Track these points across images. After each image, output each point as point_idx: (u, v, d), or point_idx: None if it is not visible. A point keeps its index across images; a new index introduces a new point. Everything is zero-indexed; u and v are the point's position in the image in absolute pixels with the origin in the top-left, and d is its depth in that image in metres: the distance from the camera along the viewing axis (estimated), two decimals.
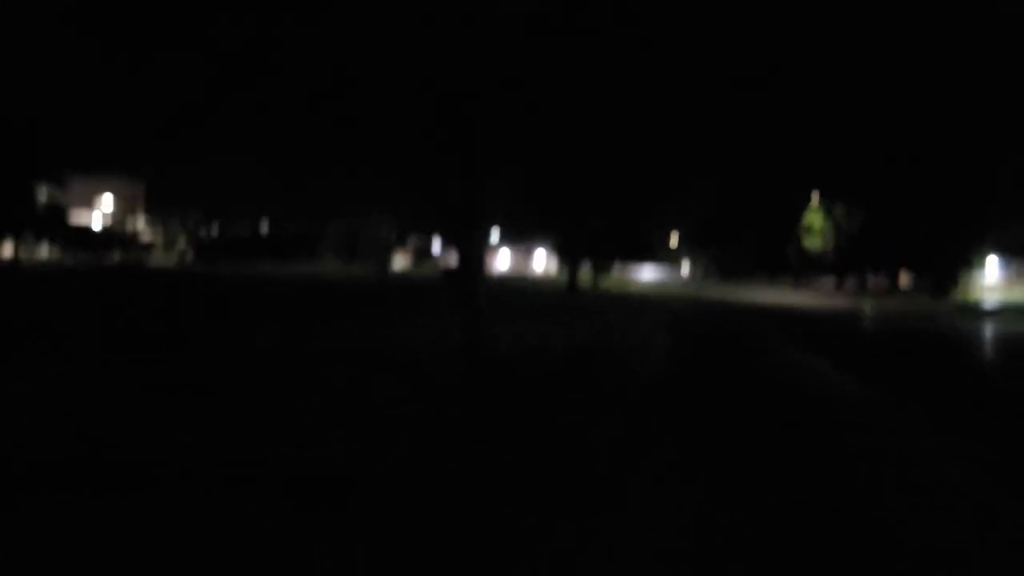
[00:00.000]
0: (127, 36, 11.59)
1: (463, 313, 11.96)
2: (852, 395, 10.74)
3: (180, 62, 12.02)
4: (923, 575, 4.32)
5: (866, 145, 55.19)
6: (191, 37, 11.36)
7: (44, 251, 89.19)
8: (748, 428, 8.09)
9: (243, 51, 10.90)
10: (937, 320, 30.81)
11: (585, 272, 63.77)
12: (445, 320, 15.23)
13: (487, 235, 12.05)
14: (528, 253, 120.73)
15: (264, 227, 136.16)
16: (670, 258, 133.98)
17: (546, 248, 76.68)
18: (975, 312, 38.53)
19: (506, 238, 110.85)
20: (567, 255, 50.99)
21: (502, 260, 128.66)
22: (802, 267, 75.32)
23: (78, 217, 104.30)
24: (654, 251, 68.51)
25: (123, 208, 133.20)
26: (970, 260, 54.73)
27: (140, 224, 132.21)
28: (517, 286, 52.82)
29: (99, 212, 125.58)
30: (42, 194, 73.61)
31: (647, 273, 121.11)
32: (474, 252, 11.97)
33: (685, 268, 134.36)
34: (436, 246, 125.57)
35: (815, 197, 69.26)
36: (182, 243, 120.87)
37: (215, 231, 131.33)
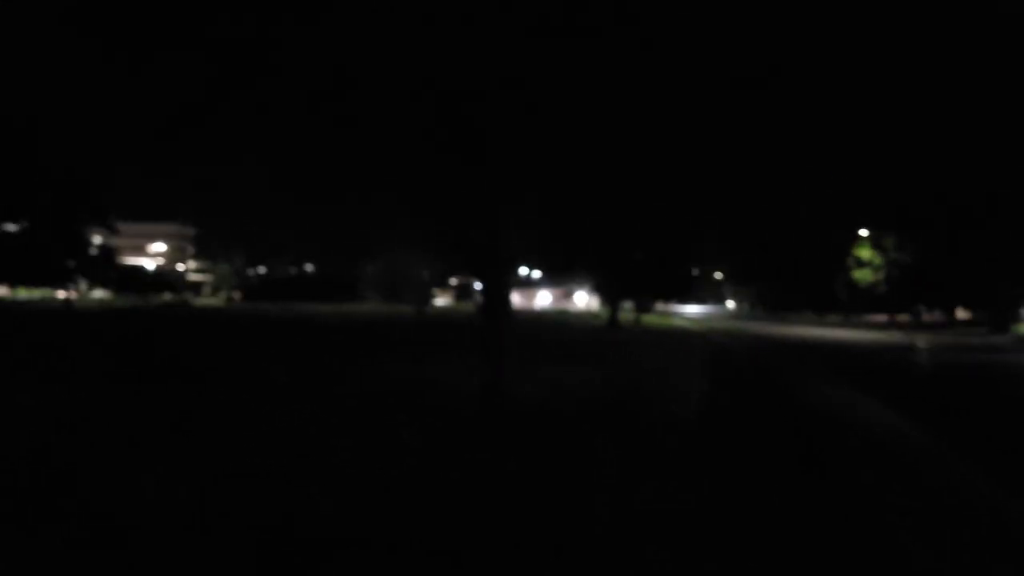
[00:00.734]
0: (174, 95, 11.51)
1: (483, 358, 11.23)
2: (911, 447, 9.72)
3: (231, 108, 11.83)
4: None
5: (917, 177, 53.76)
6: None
7: (97, 293, 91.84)
8: (796, 507, 7.18)
9: (249, 59, 10.56)
10: (997, 355, 29.22)
11: (627, 309, 62.86)
12: (472, 362, 14.56)
13: (510, 273, 11.33)
14: (569, 291, 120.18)
15: (308, 268, 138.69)
16: (715, 294, 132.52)
17: (587, 286, 75.85)
18: None
19: (547, 277, 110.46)
20: (607, 292, 50.09)
21: (543, 298, 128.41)
22: (852, 301, 73.24)
23: (131, 261, 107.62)
24: (697, 287, 67.24)
25: (174, 252, 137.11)
26: None
27: (190, 266, 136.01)
28: (556, 321, 52.08)
29: (151, 256, 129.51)
30: (95, 239, 75.31)
31: (691, 309, 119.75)
32: (497, 291, 11.26)
33: (730, 304, 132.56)
34: (478, 284, 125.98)
35: (864, 231, 67.43)
36: (229, 284, 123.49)
37: (261, 272, 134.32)
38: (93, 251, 72.18)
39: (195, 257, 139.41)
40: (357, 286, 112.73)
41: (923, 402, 14.83)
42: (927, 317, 70.60)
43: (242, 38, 10.58)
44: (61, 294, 71.94)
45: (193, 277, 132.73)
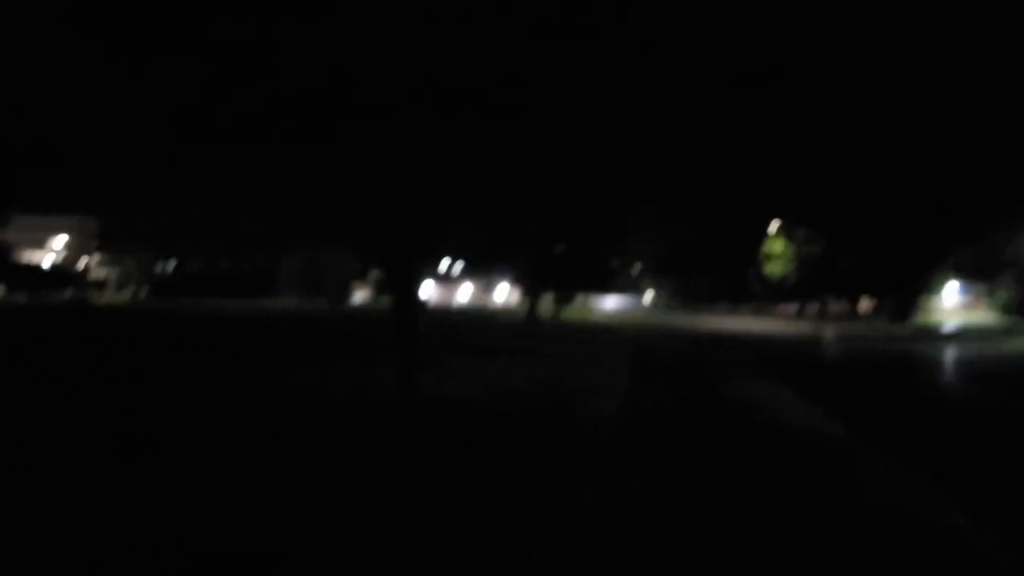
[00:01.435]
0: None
1: (398, 358, 10.93)
2: (822, 433, 9.88)
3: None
4: None
5: (825, 172, 55.45)
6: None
7: None
8: (716, 489, 7.16)
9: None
10: (897, 344, 30.36)
11: (547, 302, 63.10)
12: (387, 361, 14.21)
13: (424, 269, 11.00)
14: (490, 285, 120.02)
15: (221, 263, 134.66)
16: (633, 287, 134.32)
17: (507, 279, 75.91)
18: (934, 335, 38.30)
19: (468, 270, 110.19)
20: (527, 286, 50.13)
21: (463, 292, 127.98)
22: (764, 293, 75.24)
23: (29, 256, 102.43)
24: (616, 280, 67.91)
25: (76, 247, 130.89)
26: (929, 285, 54.90)
27: (93, 262, 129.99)
28: (476, 317, 51.90)
29: (50, 251, 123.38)
30: None
31: (610, 302, 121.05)
32: (409, 289, 10.94)
33: (648, 296, 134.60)
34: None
35: (775, 223, 69.34)
36: (136, 280, 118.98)
37: (170, 268, 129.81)
38: None
39: (99, 252, 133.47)
40: (274, 281, 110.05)
41: (831, 392, 15.20)
42: (834, 307, 73.04)
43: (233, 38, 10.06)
44: None
45: (97, 273, 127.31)
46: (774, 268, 68.84)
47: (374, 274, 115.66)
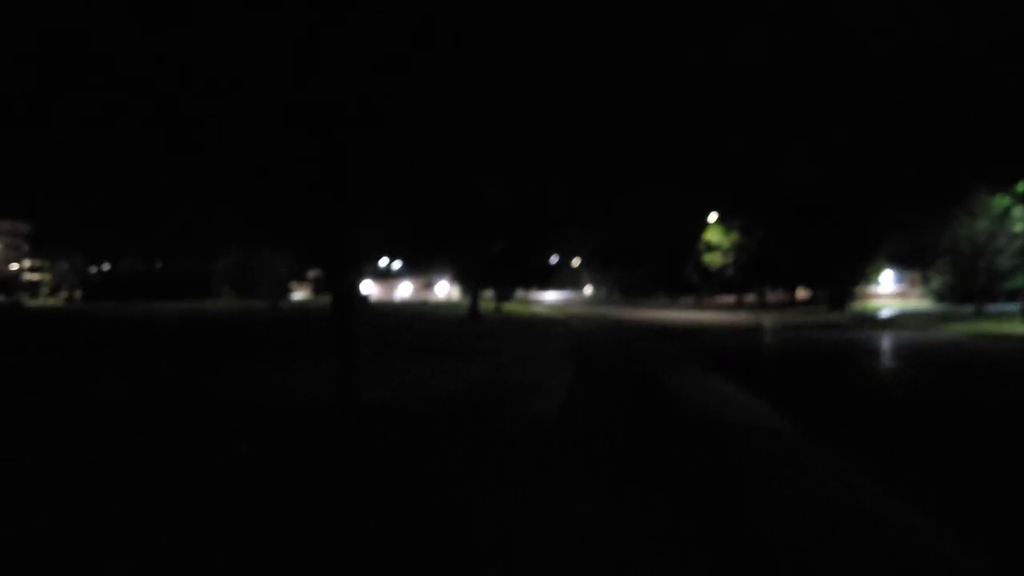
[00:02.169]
0: None
1: (336, 358, 10.30)
2: (766, 426, 9.58)
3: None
4: None
5: (761, 164, 56.07)
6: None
7: None
8: (658, 486, 6.73)
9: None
10: (837, 332, 30.66)
11: (487, 297, 62.63)
12: (324, 360, 13.57)
13: (359, 269, 10.39)
14: (430, 281, 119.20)
15: (157, 265, 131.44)
16: (573, 280, 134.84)
17: (447, 275, 75.19)
18: (872, 322, 38.91)
19: (407, 267, 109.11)
20: (467, 282, 49.55)
21: (404, 289, 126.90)
22: (703, 284, 75.98)
23: None
24: (556, 274, 67.76)
25: (7, 250, 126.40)
26: (865, 273, 55.97)
27: (26, 265, 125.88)
28: (417, 313, 51.16)
29: None
30: None
31: (551, 296, 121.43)
32: (346, 289, 10.31)
33: (588, 289, 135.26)
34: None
35: (713, 215, 70.02)
36: (69, 283, 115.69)
37: (105, 270, 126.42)
38: None
39: (31, 255, 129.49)
40: (210, 282, 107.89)
41: (774, 383, 15.01)
42: (771, 297, 74.15)
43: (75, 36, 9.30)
44: None
45: (29, 276, 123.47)
46: (712, 259, 69.48)
47: (312, 273, 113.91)
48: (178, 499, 6.13)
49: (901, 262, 53.51)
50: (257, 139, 10.57)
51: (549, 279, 69.76)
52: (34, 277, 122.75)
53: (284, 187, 11.12)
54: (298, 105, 10.06)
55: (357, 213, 10.28)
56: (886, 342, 25.45)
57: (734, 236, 66.66)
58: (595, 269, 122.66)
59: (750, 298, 75.82)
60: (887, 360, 19.82)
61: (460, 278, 55.78)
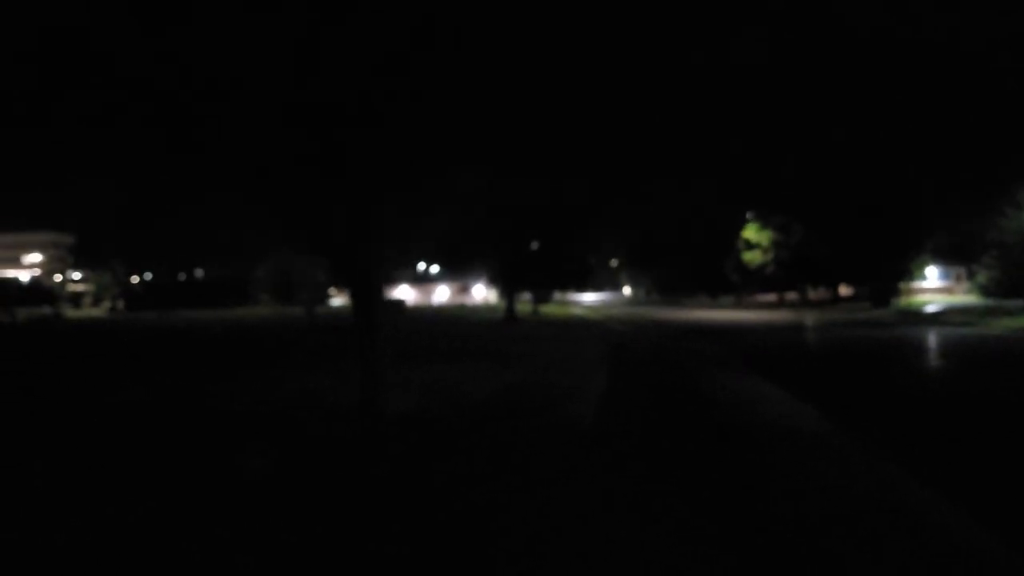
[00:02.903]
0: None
1: (360, 366, 10.06)
2: (815, 436, 9.13)
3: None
4: None
5: (801, 160, 55.03)
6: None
7: None
8: (694, 498, 6.35)
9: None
10: (881, 329, 29.83)
11: (525, 300, 62.33)
12: (354, 367, 13.34)
13: (381, 277, 10.13)
14: (467, 284, 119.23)
15: (198, 273, 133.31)
16: (612, 281, 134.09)
17: (484, 278, 75.07)
18: (918, 318, 37.88)
19: (444, 270, 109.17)
20: (504, 284, 49.29)
21: (441, 293, 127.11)
22: (743, 283, 74.82)
23: (4, 272, 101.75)
24: (594, 275, 67.22)
25: (51, 262, 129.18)
26: (909, 268, 54.66)
27: (71, 276, 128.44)
28: (453, 317, 51.02)
29: (25, 267, 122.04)
30: None
31: (589, 297, 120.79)
32: (368, 298, 10.06)
33: (627, 290, 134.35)
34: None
35: (751, 213, 68.88)
36: (111, 293, 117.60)
37: (148, 279, 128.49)
38: None
39: (75, 266, 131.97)
40: (248, 289, 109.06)
41: (820, 387, 14.49)
42: (813, 295, 72.79)
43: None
44: None
45: (73, 287, 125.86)
46: (752, 257, 68.35)
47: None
48: (186, 509, 5.90)
49: (945, 257, 52.13)
50: (259, 139, 10.34)
51: (587, 280, 69.28)
52: (78, 288, 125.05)
53: (292, 188, 10.86)
54: (298, 105, 9.86)
55: (369, 214, 10.03)
56: (934, 339, 24.65)
57: (773, 233, 65.50)
58: (633, 269, 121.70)
59: (791, 296, 74.51)
60: (936, 359, 19.12)
61: (496, 280, 55.59)
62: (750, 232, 68.52)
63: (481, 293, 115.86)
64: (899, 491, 6.51)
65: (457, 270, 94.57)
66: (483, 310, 70.16)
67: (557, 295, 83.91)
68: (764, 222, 66.91)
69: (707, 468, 7.34)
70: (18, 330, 43.66)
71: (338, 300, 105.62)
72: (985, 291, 45.80)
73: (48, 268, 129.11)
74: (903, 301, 55.06)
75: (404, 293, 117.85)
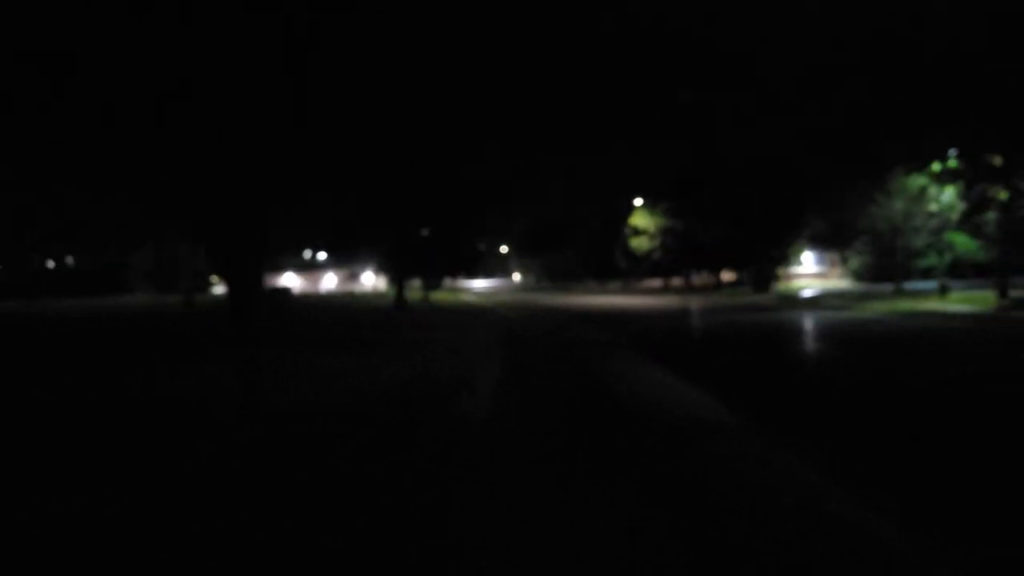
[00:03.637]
0: None
1: (236, 358, 9.30)
2: (708, 419, 8.99)
3: None
4: None
5: (685, 147, 56.16)
6: None
7: None
8: (601, 487, 6.00)
9: None
10: (763, 314, 30.69)
11: (415, 287, 61.47)
12: (229, 360, 12.46)
13: (258, 267, 9.36)
14: (356, 272, 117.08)
15: (68, 261, 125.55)
16: (502, 268, 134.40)
17: (373, 266, 73.71)
18: (796, 302, 39.28)
19: (332, 257, 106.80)
20: (393, 271, 48.35)
21: (328, 280, 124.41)
22: (631, 269, 76.26)
23: None
24: (484, 261, 66.98)
25: None
26: (787, 254, 56.79)
27: None
28: (341, 305, 49.71)
29: None
30: None
31: (479, 284, 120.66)
32: (243, 288, 9.28)
33: (517, 276, 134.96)
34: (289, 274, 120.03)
35: (639, 199, 70.13)
36: None
37: (10, 267, 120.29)
38: None
39: None
40: (125, 277, 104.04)
41: (709, 370, 14.53)
42: (697, 280, 74.90)
43: None
44: None
45: None
46: (639, 244, 69.67)
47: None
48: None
49: (821, 243, 54.41)
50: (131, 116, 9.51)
51: (477, 267, 69.06)
52: None
53: (168, 165, 10.02)
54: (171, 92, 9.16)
55: (246, 194, 9.30)
56: (814, 323, 25.44)
57: (660, 220, 66.86)
58: (523, 256, 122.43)
59: (676, 282, 76.46)
60: (819, 341, 19.65)
61: (385, 268, 54.57)
62: (638, 219, 69.77)
63: (370, 280, 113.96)
64: (797, 477, 6.35)
65: (345, 257, 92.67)
66: (372, 297, 68.89)
67: (447, 282, 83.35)
68: (651, 209, 68.24)
69: (611, 460, 7.01)
70: None
71: (220, 288, 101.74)
72: (858, 276, 48.04)
73: None
74: (782, 286, 57.21)
75: (290, 281, 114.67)
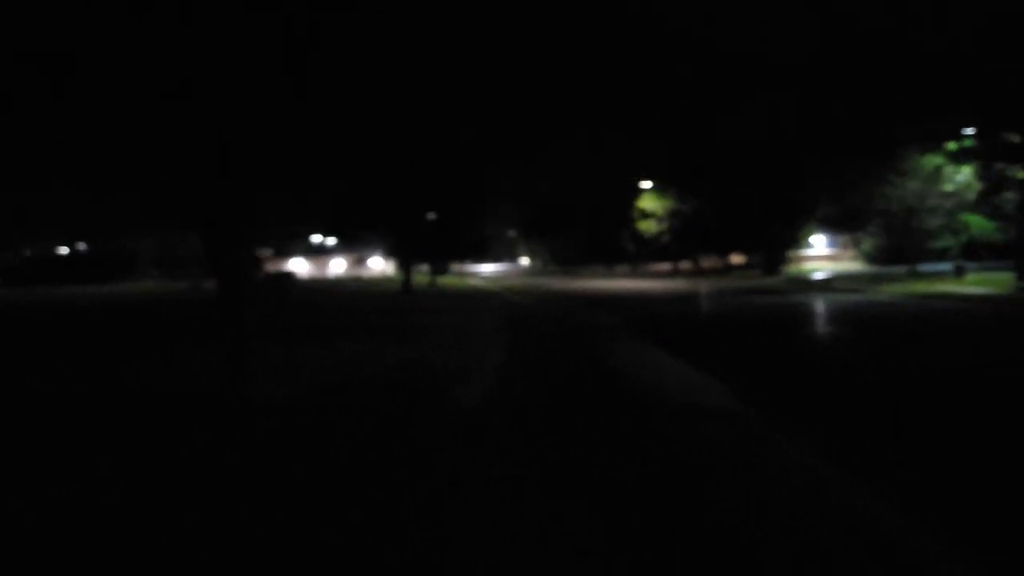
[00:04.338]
0: None
1: (225, 347, 8.93)
2: (716, 407, 8.60)
3: None
4: None
5: (695, 129, 55.69)
6: None
7: None
8: (600, 484, 5.62)
9: None
10: (774, 296, 30.22)
11: (422, 272, 61.18)
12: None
13: (247, 252, 8.99)
14: (363, 256, 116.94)
15: (81, 247, 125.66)
16: (509, 252, 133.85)
17: (381, 250, 73.41)
18: (808, 285, 38.77)
19: (340, 242, 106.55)
20: (400, 256, 48.02)
21: (336, 265, 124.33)
22: (639, 252, 75.72)
23: None
24: (492, 246, 66.57)
25: None
26: (798, 236, 56.11)
27: None
28: (348, 290, 49.42)
29: None
30: None
31: (487, 268, 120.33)
32: (233, 263, 8.91)
33: (524, 261, 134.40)
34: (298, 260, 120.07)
35: (647, 182, 69.47)
36: None
37: (24, 254, 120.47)
38: None
39: None
40: (133, 264, 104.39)
41: (720, 357, 14.12)
42: (706, 264, 74.26)
43: None
44: None
45: None
46: (647, 227, 69.09)
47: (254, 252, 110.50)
48: None
49: (832, 225, 53.70)
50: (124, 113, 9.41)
51: (484, 251, 68.68)
52: None
53: (167, 165, 9.84)
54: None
55: (233, 172, 8.98)
56: (826, 306, 24.97)
57: (668, 203, 66.25)
58: (531, 240, 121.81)
59: (685, 265, 75.84)
60: (830, 325, 19.19)
61: (393, 252, 54.25)
62: (646, 202, 69.15)
63: (378, 265, 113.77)
64: (811, 474, 5.94)
65: (353, 242, 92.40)
66: (379, 282, 68.64)
67: (455, 267, 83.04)
68: (660, 192, 67.61)
69: (614, 451, 6.62)
70: None
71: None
72: (870, 258, 47.40)
73: None
74: (792, 268, 56.61)
75: (298, 266, 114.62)
